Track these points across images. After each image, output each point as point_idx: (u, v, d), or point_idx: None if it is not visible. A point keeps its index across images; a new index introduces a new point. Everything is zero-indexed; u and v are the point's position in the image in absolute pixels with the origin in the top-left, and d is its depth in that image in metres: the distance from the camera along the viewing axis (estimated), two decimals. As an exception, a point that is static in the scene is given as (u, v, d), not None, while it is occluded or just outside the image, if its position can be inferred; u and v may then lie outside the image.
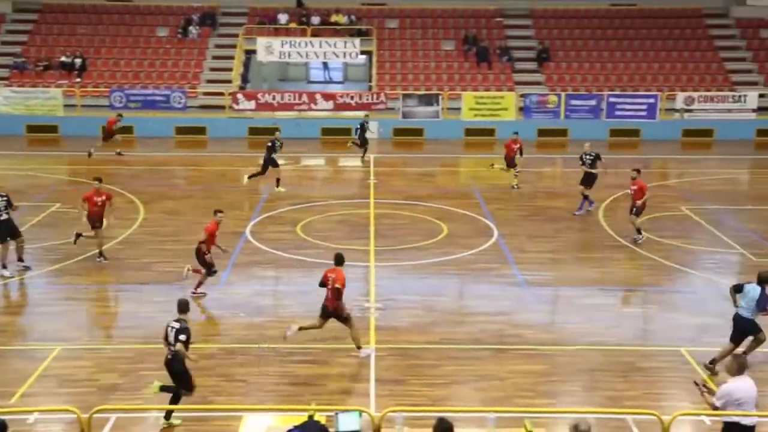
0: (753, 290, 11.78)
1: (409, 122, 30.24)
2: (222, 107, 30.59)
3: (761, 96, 30.80)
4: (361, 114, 29.18)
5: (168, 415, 10.38)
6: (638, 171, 18.05)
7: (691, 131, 30.08)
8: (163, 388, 10.53)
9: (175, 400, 10.37)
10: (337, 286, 12.05)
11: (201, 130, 30.17)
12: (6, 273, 15.53)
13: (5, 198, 15.64)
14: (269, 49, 31.61)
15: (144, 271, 16.06)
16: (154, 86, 31.24)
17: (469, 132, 30.21)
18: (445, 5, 35.28)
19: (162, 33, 34.05)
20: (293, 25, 33.77)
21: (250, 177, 22.10)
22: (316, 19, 33.84)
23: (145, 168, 25.12)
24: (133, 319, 13.85)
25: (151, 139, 29.34)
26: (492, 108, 30.33)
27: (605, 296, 14.94)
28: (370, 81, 33.45)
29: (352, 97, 30.95)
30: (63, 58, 32.10)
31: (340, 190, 22.75)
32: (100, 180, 16.51)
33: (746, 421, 8.73)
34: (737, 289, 11.97)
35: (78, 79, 31.54)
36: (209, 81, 32.46)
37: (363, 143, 26.04)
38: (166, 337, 10.43)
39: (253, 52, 32.80)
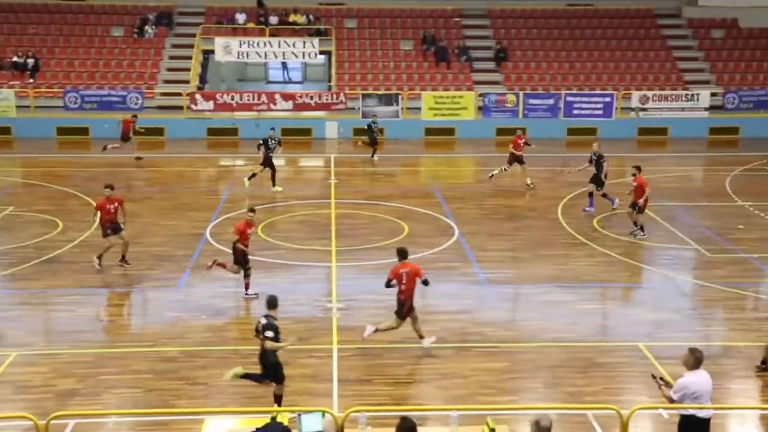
0: None
1: (368, 122, 30.18)
2: (180, 108, 30.27)
3: (713, 95, 31.45)
4: (320, 113, 29.13)
5: (278, 401, 10.50)
6: (638, 168, 18.36)
7: (646, 129, 30.61)
8: (245, 376, 10.59)
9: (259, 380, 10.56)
10: (423, 279, 12.25)
11: (159, 131, 29.79)
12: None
13: None
14: (227, 49, 31.36)
15: (102, 275, 15.81)
16: (109, 87, 30.78)
17: (429, 131, 30.35)
18: (403, 5, 35.37)
19: (117, 33, 33.56)
20: (251, 24, 33.55)
21: (250, 178, 21.88)
22: (274, 19, 33.67)
23: (101, 170, 24.71)
24: (91, 324, 13.63)
25: (107, 140, 28.86)
26: (451, 107, 30.51)
27: (564, 293, 15.11)
28: (329, 81, 33.39)
29: (311, 97, 30.87)
30: (15, 59, 31.45)
31: (301, 191, 22.67)
32: (111, 187, 16.00)
33: (702, 414, 8.91)
34: None
35: (31, 80, 30.94)
36: (166, 81, 32.09)
37: (372, 143, 26.08)
38: (257, 331, 10.51)
39: (211, 52, 32.51)
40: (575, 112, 30.72)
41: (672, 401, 8.94)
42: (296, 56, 32.57)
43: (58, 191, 22.01)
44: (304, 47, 31.68)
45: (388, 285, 12.40)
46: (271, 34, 32.61)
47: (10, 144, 28.62)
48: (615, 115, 30.69)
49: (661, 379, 9.29)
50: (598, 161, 20.11)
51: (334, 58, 32.94)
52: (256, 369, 10.97)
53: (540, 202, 21.29)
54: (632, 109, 30.98)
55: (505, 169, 22.69)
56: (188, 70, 31.98)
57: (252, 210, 15.14)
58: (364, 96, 30.53)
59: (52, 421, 8.50)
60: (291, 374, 11.84)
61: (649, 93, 31.07)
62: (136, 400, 11.09)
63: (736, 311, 14.36)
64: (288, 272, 15.98)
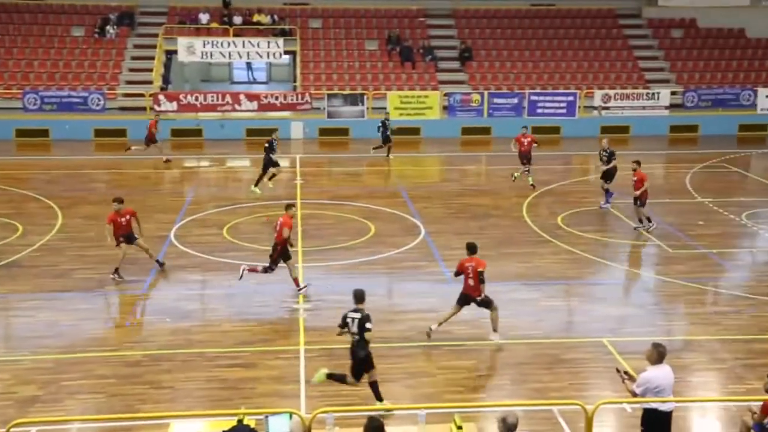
0: None
1: (334, 122, 30.22)
2: (143, 109, 29.94)
3: (673, 93, 31.96)
4: (285, 113, 28.97)
5: (379, 397, 10.58)
6: (638, 163, 18.85)
7: (609, 128, 30.93)
8: (330, 376, 10.68)
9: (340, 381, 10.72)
10: (480, 270, 12.56)
11: (121, 133, 29.46)
12: None
13: None
14: (191, 49, 31.08)
15: (63, 279, 15.59)
16: (70, 87, 30.33)
17: (395, 131, 30.32)
18: (368, 5, 35.37)
19: (77, 33, 33.08)
20: (215, 24, 33.30)
21: (256, 185, 21.88)
22: (238, 19, 33.46)
23: (62, 172, 24.37)
24: (53, 329, 13.41)
25: (69, 142, 28.51)
26: (417, 107, 30.59)
27: (530, 291, 15.23)
28: (294, 81, 33.27)
29: (276, 98, 30.73)
30: (-28, 59, 30.92)
31: (267, 192, 22.55)
32: (120, 201, 15.68)
33: (664, 407, 9.04)
34: None
35: (-11, 81, 30.42)
36: (128, 82, 31.71)
37: (385, 141, 26.09)
38: (344, 326, 10.60)
39: (174, 52, 32.19)
40: (539, 111, 30.99)
41: (635, 395, 9.07)
42: (261, 56, 32.40)
43: (17, 194, 21.65)
44: (268, 47, 31.53)
45: (457, 275, 12.89)
46: (235, 34, 32.39)
47: (-32, 147, 28.09)
48: (578, 113, 31.03)
49: (626, 373, 9.41)
50: (609, 157, 20.42)
51: (299, 58, 32.83)
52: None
53: (505, 200, 21.44)
54: (595, 108, 31.35)
55: (526, 171, 22.42)
56: (151, 70, 31.63)
57: (292, 205, 15.29)
58: (330, 96, 30.48)
59: (12, 429, 8.34)
60: (258, 376, 11.80)
61: (611, 92, 31.46)
62: (99, 405, 10.94)
63: (697, 306, 14.60)
64: (254, 273, 15.86)
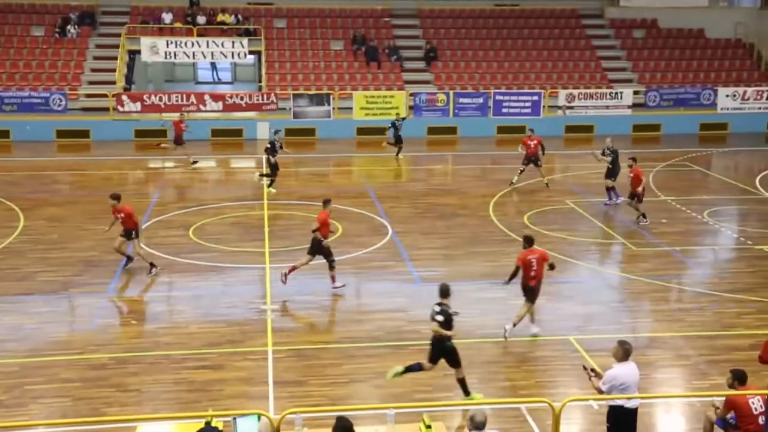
0: None
1: (300, 122, 30.13)
2: (106, 109, 29.56)
3: (635, 93, 32.41)
4: (251, 113, 28.77)
5: (467, 391, 10.80)
6: (634, 159, 19.44)
7: (573, 127, 31.33)
8: (406, 370, 10.88)
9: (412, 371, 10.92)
10: (550, 262, 12.86)
11: (84, 133, 29.08)
12: None
13: None
14: (154, 49, 30.76)
15: (26, 281, 15.33)
16: (31, 88, 29.83)
17: (361, 131, 30.41)
18: (333, 5, 35.32)
19: (37, 32, 32.55)
20: (178, 24, 33.00)
21: (270, 185, 21.85)
22: (202, 19, 33.19)
23: (23, 174, 23.97)
24: (16, 332, 13.18)
25: (30, 143, 28.06)
26: (383, 107, 30.62)
27: (497, 289, 15.29)
28: (259, 81, 33.10)
29: (241, 98, 30.56)
30: (-71, 59, 30.26)
31: (233, 192, 22.42)
32: (115, 197, 15.77)
33: (629, 404, 9.16)
34: None
35: (-53, 81, 29.79)
36: (91, 82, 31.28)
37: (397, 142, 26.06)
38: (432, 318, 10.90)
39: (137, 52, 31.84)
40: (504, 110, 31.22)
41: (601, 392, 9.18)
42: (225, 56, 32.20)
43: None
44: (233, 47, 31.34)
45: (516, 274, 12.84)
46: (199, 34, 32.13)
47: (-75, 148, 27.49)
48: (543, 113, 31.30)
49: (592, 370, 9.53)
50: (614, 157, 20.72)
51: (263, 58, 32.67)
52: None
53: (472, 200, 21.56)
54: (559, 107, 31.65)
55: (521, 171, 22.58)
56: (113, 70, 31.23)
57: (330, 200, 15.36)
58: (295, 96, 30.39)
59: (-25, 435, 8.21)
60: (225, 378, 11.73)
61: (575, 91, 31.80)
62: (65, 409, 10.77)
63: (661, 303, 14.81)
64: (221, 274, 15.79)
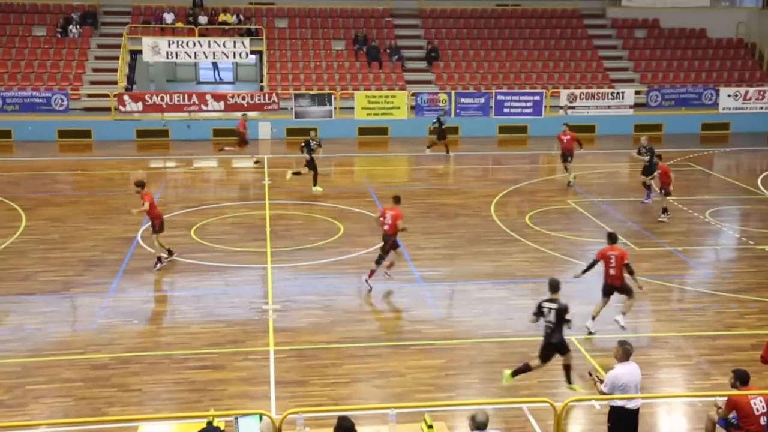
0: None
1: (302, 122, 30.12)
2: (108, 109, 29.57)
3: (637, 93, 32.38)
4: (252, 113, 28.75)
5: (569, 379, 11.04)
6: (660, 157, 20.23)
7: (575, 127, 31.12)
8: (516, 372, 11.08)
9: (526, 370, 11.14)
10: (626, 262, 12.91)
11: (86, 134, 29.10)
12: None
13: None
14: (156, 49, 30.77)
15: (28, 281, 15.34)
16: (32, 88, 29.85)
17: (363, 131, 30.41)
18: (334, 5, 35.32)
19: (39, 32, 32.57)
20: (180, 24, 33.01)
21: (314, 184, 21.88)
22: (203, 19, 33.20)
23: (25, 174, 23.98)
24: (18, 332, 13.19)
25: (32, 143, 28.08)
26: (384, 107, 30.63)
27: (499, 289, 15.33)
28: (261, 81, 33.11)
29: (243, 98, 30.55)
30: (-69, 59, 30.28)
31: (234, 192, 22.42)
32: (138, 184, 16.29)
33: (630, 404, 9.15)
34: None
35: (-51, 81, 29.82)
36: (93, 82, 31.30)
37: (441, 138, 26.11)
38: (538, 314, 11.04)
39: (139, 52, 31.85)
40: (506, 110, 31.20)
41: (603, 394, 9.17)
42: (227, 56, 32.19)
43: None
44: (234, 47, 31.34)
45: (591, 267, 13.11)
46: (201, 34, 32.14)
47: (-73, 148, 27.52)
48: (544, 113, 31.28)
49: (597, 376, 9.53)
50: (650, 156, 20.95)
51: (265, 58, 32.68)
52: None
53: (473, 200, 21.55)
54: (561, 107, 31.63)
55: (566, 168, 22.82)
56: (115, 70, 31.25)
57: (400, 198, 15.57)
58: (297, 96, 30.39)
59: (-23, 435, 8.21)
60: (227, 378, 11.73)
61: (577, 91, 31.78)
62: (66, 409, 10.78)
63: (663, 303, 14.80)
64: (222, 274, 15.79)
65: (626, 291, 13.20)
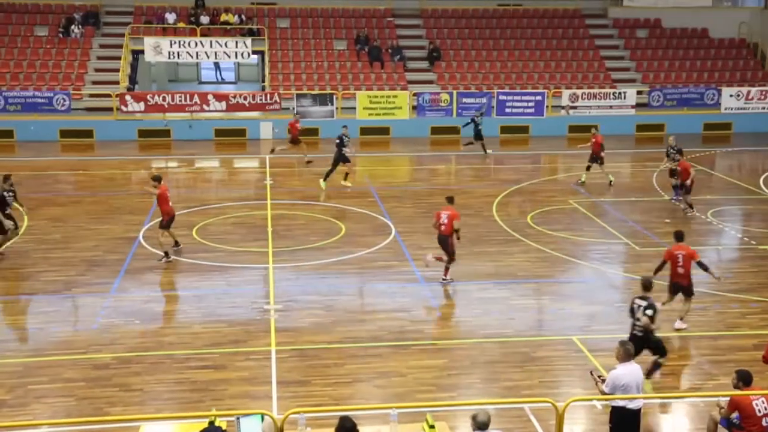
0: None
1: (303, 122, 30.03)
2: (109, 109, 29.60)
3: (639, 93, 32.34)
4: (254, 113, 28.75)
5: (648, 375, 10.96)
6: (680, 152, 20.87)
7: (576, 127, 31.23)
8: (650, 373, 11.11)
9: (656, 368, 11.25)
10: (697, 260, 12.98)
11: (88, 133, 29.11)
12: None
13: None
14: (158, 49, 30.78)
15: (30, 281, 15.36)
16: (35, 88, 29.87)
17: (364, 131, 30.39)
18: (336, 5, 35.31)
19: (41, 32, 32.59)
20: (182, 24, 33.02)
21: (325, 179, 22.05)
22: (205, 19, 33.22)
23: (27, 174, 23.99)
24: (19, 332, 13.21)
25: (34, 143, 28.11)
26: (386, 107, 30.62)
27: (500, 289, 15.32)
28: (263, 81, 33.12)
29: (245, 98, 30.55)
30: (-67, 59, 30.30)
31: (236, 192, 22.43)
32: (156, 178, 16.55)
33: (632, 405, 9.14)
34: None
35: (-49, 81, 29.84)
36: (95, 82, 31.32)
37: (478, 138, 26.26)
38: (632, 312, 11.09)
39: (141, 52, 31.85)
40: (507, 110, 31.19)
41: (604, 394, 9.16)
42: (229, 56, 32.20)
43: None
44: (236, 47, 31.34)
45: (661, 268, 13.08)
46: (203, 34, 32.15)
47: (-71, 148, 27.54)
48: (546, 113, 31.27)
49: (599, 375, 9.53)
50: (678, 155, 21.15)
51: (267, 58, 32.68)
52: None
53: (475, 200, 21.54)
54: (562, 107, 31.61)
55: (588, 168, 22.98)
56: (117, 70, 31.26)
57: (453, 198, 15.73)
58: (299, 96, 30.40)
59: (-21, 434, 8.22)
60: (229, 377, 11.74)
61: (579, 91, 31.75)
62: (68, 409, 10.79)
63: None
64: (224, 274, 15.80)
65: (690, 292, 13.30)
